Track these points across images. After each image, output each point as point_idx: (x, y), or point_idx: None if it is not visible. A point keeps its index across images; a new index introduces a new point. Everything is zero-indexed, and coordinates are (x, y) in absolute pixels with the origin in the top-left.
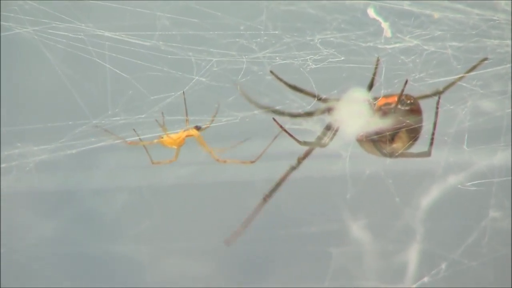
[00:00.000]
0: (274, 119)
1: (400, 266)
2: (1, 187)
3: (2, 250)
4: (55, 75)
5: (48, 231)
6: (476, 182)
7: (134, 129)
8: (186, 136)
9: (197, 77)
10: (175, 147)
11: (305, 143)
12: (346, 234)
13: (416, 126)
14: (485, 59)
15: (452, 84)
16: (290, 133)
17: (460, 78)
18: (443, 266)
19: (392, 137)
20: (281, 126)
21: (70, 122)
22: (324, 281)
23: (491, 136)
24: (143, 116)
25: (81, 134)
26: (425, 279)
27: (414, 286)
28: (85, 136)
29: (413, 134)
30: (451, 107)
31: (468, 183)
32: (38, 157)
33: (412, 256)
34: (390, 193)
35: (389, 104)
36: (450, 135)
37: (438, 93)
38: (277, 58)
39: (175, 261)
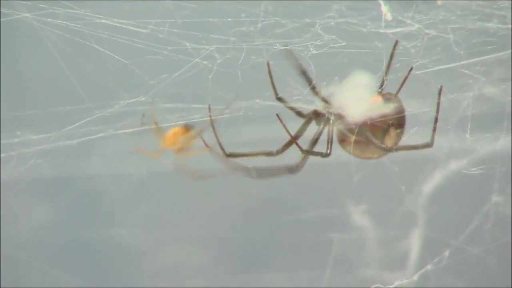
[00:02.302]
0: (278, 117)
1: (402, 253)
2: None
3: (2, 236)
4: (54, 61)
5: (46, 217)
6: (479, 167)
7: (143, 114)
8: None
9: (197, 59)
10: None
11: (307, 151)
12: (347, 220)
13: (402, 122)
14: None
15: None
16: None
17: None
18: (446, 253)
19: (383, 133)
20: (285, 128)
21: (68, 107)
22: (324, 268)
23: (493, 122)
24: (143, 98)
25: (80, 122)
26: (428, 267)
27: (417, 274)
28: (85, 125)
29: (399, 130)
30: (453, 95)
31: (473, 168)
32: (38, 146)
33: (414, 242)
34: (392, 179)
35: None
36: (452, 122)
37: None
38: (277, 44)
39: (173, 248)
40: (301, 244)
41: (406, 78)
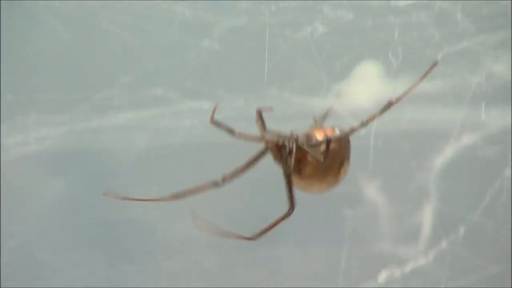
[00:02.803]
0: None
1: (416, 227)
2: (4, 148)
3: (2, 211)
4: (60, 41)
5: (55, 193)
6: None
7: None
8: None
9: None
10: None
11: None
12: (360, 196)
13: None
14: (436, 63)
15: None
16: None
17: (414, 86)
18: (460, 228)
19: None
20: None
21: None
22: (339, 243)
23: (506, 97)
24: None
25: (87, 107)
26: (443, 243)
27: (432, 253)
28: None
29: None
30: (465, 71)
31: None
32: (42, 127)
33: (428, 217)
34: (404, 154)
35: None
36: (465, 97)
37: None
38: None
39: (185, 223)
40: (314, 220)
41: (427, 72)
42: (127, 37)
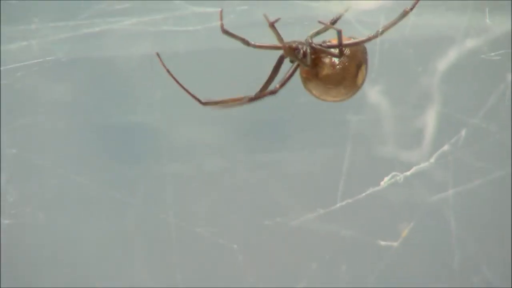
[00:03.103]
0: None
1: (419, 130)
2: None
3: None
4: None
5: (60, 98)
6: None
7: None
8: None
9: None
10: None
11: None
12: (364, 100)
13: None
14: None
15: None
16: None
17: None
18: (463, 132)
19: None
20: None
21: None
22: (342, 146)
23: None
24: None
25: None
26: (445, 147)
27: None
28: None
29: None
30: None
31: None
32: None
33: (430, 120)
34: (407, 59)
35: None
36: (469, 1)
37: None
38: None
39: (190, 127)
40: (319, 124)
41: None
42: None
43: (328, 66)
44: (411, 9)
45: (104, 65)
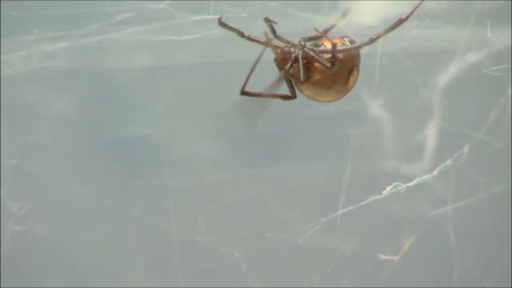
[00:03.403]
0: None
1: (420, 145)
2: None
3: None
4: None
5: (60, 108)
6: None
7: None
8: None
9: None
10: None
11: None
12: (364, 113)
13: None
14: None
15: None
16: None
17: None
18: (465, 147)
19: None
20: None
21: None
22: (344, 160)
23: (509, 15)
24: None
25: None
26: (447, 162)
27: (437, 170)
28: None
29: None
30: None
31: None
32: (55, 43)
33: (432, 135)
34: (408, 72)
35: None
36: (470, 15)
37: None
38: None
39: (190, 141)
40: (319, 137)
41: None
42: None
43: (320, 71)
44: (407, 17)
45: (105, 76)
